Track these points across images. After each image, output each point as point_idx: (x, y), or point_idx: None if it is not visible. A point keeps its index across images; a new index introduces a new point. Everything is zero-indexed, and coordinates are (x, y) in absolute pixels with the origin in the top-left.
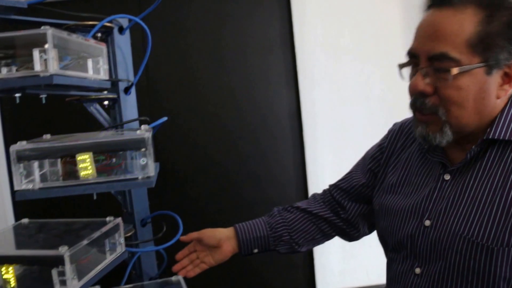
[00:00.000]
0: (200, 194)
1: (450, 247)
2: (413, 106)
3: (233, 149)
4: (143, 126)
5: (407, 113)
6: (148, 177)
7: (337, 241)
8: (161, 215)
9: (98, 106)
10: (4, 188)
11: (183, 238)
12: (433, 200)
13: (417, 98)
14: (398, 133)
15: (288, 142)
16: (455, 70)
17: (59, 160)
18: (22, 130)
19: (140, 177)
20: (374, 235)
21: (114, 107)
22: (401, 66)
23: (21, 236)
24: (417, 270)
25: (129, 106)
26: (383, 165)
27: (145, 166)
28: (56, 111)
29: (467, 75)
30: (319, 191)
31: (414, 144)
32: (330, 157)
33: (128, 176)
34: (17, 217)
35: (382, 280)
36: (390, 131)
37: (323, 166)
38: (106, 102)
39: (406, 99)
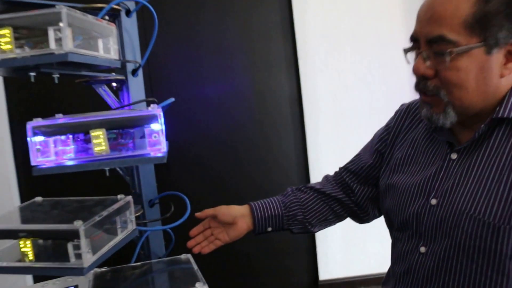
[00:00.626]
0: (205, 176)
1: (456, 226)
2: (417, 88)
3: (236, 134)
4: (152, 105)
5: (409, 98)
6: (160, 153)
7: (339, 229)
8: (169, 196)
9: (106, 88)
10: (10, 170)
11: (198, 214)
12: (439, 179)
13: (420, 81)
14: (405, 113)
15: (289, 128)
16: (452, 52)
17: (71, 136)
18: (27, 111)
19: (152, 153)
20: (375, 224)
21: (122, 89)
22: (406, 51)
23: (36, 212)
24: (422, 249)
25: (137, 88)
26: (389, 145)
27: (158, 142)
28: (62, 94)
29: (466, 56)
30: (320, 176)
31: (421, 124)
32: (331, 143)
33: (140, 153)
34: (23, 199)
35: (384, 269)
36: (397, 112)
37: (324, 152)
38: (114, 84)
39: (407, 84)
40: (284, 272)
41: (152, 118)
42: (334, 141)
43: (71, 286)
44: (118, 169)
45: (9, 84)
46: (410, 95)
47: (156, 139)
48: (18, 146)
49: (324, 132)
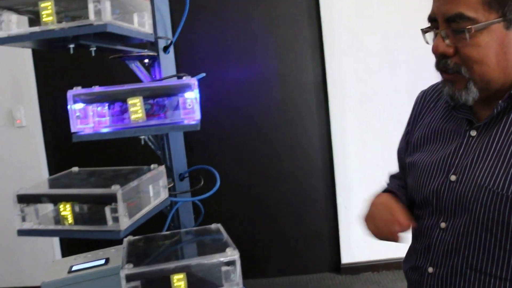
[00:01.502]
0: (231, 152)
1: (475, 200)
2: (437, 67)
3: (260, 116)
4: (185, 77)
5: (434, 80)
6: (194, 121)
7: (361, 213)
8: (198, 170)
9: (139, 64)
10: (38, 143)
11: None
12: (459, 156)
13: (440, 60)
14: (422, 98)
15: (314, 111)
16: (471, 29)
17: (108, 106)
18: (55, 86)
19: (186, 121)
20: None
21: (153, 65)
22: (424, 31)
23: (74, 180)
24: (442, 225)
25: (168, 64)
26: (411, 131)
27: (192, 111)
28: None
29: (485, 32)
30: (344, 160)
31: (439, 105)
32: (355, 126)
33: (175, 120)
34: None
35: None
36: (416, 99)
37: (348, 136)
38: (146, 60)
39: (431, 66)
40: (307, 255)
41: (187, 87)
42: (358, 124)
43: (102, 259)
44: (150, 144)
45: (37, 60)
46: (435, 78)
47: (190, 108)
48: (47, 122)
49: (348, 115)
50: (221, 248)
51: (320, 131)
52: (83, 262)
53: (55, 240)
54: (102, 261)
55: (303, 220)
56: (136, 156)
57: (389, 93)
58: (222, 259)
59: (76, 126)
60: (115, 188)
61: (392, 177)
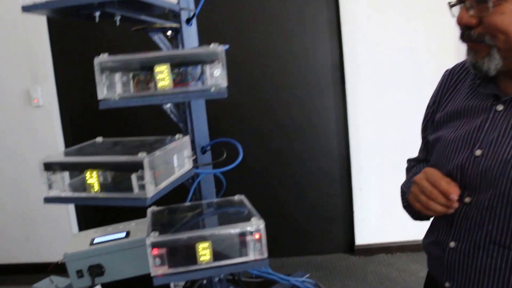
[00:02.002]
0: (247, 132)
1: (500, 175)
2: (462, 38)
3: (276, 96)
4: (213, 44)
5: (452, 63)
6: (221, 88)
7: (376, 196)
8: (220, 143)
9: (162, 36)
10: (56, 122)
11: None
12: (484, 130)
13: (464, 31)
14: (449, 76)
15: (330, 92)
16: None
17: (130, 74)
18: (71, 65)
19: (213, 89)
20: None
21: (176, 38)
22: (451, 5)
23: (99, 149)
24: (467, 200)
25: (191, 36)
26: (436, 109)
27: (219, 78)
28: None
29: (509, 1)
30: (360, 142)
31: (466, 83)
32: (372, 108)
33: (202, 88)
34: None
35: (421, 236)
36: (442, 77)
37: (365, 118)
38: (169, 33)
39: (451, 51)
40: (322, 236)
41: (214, 54)
42: (375, 106)
43: (123, 232)
44: (172, 116)
45: (54, 40)
46: (453, 61)
47: (217, 75)
48: (64, 101)
49: (365, 97)
50: (246, 217)
51: (336, 113)
52: (104, 235)
53: (73, 217)
54: (123, 234)
55: (318, 201)
56: (159, 128)
57: (406, 75)
58: (247, 228)
59: (102, 94)
60: (142, 156)
61: (411, 161)
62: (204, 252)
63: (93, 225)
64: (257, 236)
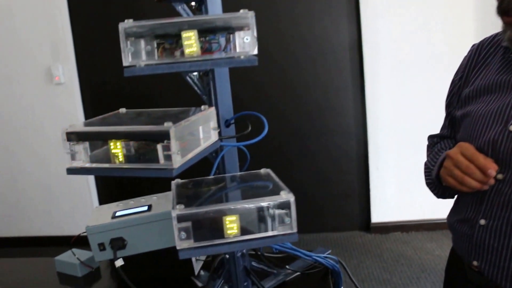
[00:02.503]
0: (263, 108)
1: None
2: (499, 9)
3: (295, 74)
4: (242, 10)
5: (471, 41)
6: (251, 56)
7: (393, 174)
8: (244, 117)
9: (186, 7)
10: (77, 99)
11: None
12: None
13: (503, 1)
14: (477, 50)
15: (348, 72)
16: None
17: (155, 43)
18: (91, 43)
19: (242, 56)
20: None
21: (200, 9)
22: None
23: (123, 119)
24: (499, 176)
25: (215, 8)
26: (463, 84)
27: (248, 45)
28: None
29: None
30: (377, 121)
31: (496, 57)
32: (390, 88)
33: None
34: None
35: (438, 215)
36: (469, 52)
37: (382, 97)
38: (193, 3)
39: (471, 27)
40: (338, 213)
41: (244, 20)
42: (392, 86)
43: (145, 206)
44: (196, 88)
45: (74, 18)
46: (471, 42)
47: (247, 42)
48: (85, 79)
49: (383, 77)
50: (274, 191)
51: (354, 92)
52: (125, 208)
53: (93, 191)
54: (145, 208)
55: (334, 178)
56: (181, 101)
57: (424, 56)
58: (277, 201)
59: (127, 61)
60: (168, 125)
61: (433, 137)
62: (231, 225)
63: (112, 199)
64: (286, 210)
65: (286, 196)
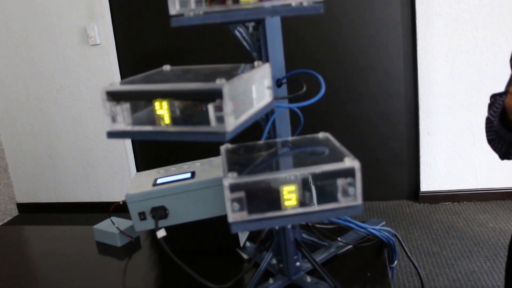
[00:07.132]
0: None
1: None
2: None
3: (346, 34)
4: None
5: None
6: (316, 2)
7: (444, 140)
8: (298, 75)
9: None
10: (113, 60)
11: None
12: None
13: None
14: None
15: (399, 31)
16: None
17: None
18: (127, 3)
19: (305, 3)
20: (484, 137)
21: None
22: None
23: (168, 77)
24: None
25: None
26: None
27: None
28: None
29: None
30: (429, 84)
31: None
32: (443, 48)
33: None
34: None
35: (492, 184)
36: None
37: (435, 59)
38: None
39: None
40: (386, 180)
41: None
42: (446, 46)
43: (188, 172)
44: (245, 44)
45: None
46: None
47: None
48: (121, 39)
49: (436, 35)
50: (336, 157)
51: (405, 53)
52: (167, 176)
53: (131, 157)
54: (188, 175)
55: (383, 144)
56: (229, 58)
57: (481, 13)
58: (341, 169)
59: (175, 9)
60: (221, 82)
61: (496, 95)
62: (289, 196)
63: (150, 165)
64: (350, 179)
65: (351, 163)
